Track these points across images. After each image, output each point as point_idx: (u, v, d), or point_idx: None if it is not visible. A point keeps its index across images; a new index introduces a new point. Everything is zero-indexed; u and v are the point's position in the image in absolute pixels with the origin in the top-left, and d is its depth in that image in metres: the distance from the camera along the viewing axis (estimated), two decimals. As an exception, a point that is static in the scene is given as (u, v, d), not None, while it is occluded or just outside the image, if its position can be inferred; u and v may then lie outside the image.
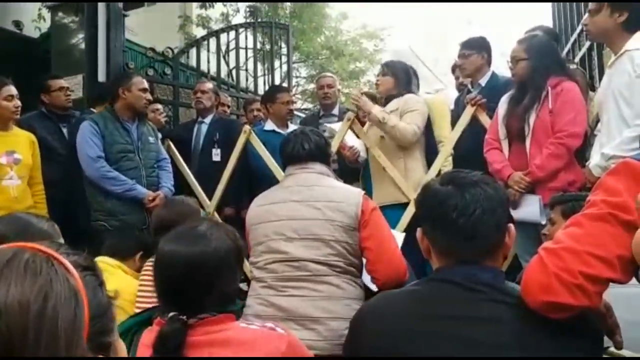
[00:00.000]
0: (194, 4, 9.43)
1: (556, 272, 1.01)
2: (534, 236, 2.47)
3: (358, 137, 3.29)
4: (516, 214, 2.47)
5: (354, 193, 2.01)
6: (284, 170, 2.23)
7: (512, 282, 1.19)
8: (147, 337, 1.25)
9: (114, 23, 4.65)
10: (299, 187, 2.03)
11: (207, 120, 3.96)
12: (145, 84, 3.31)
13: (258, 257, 1.98)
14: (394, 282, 1.85)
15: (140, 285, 2.06)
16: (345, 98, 7.70)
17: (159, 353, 1.18)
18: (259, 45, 7.26)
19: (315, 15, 12.61)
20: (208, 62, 6.31)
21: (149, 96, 3.31)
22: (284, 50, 7.51)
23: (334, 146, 3.05)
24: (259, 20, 8.54)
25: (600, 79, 2.78)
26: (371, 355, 1.18)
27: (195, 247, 1.28)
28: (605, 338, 1.19)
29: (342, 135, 3.24)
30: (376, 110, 3.04)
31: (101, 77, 4.54)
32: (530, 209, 2.53)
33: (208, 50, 6.39)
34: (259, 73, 7.15)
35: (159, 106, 4.33)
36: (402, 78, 3.24)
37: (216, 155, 3.80)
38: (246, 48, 7.05)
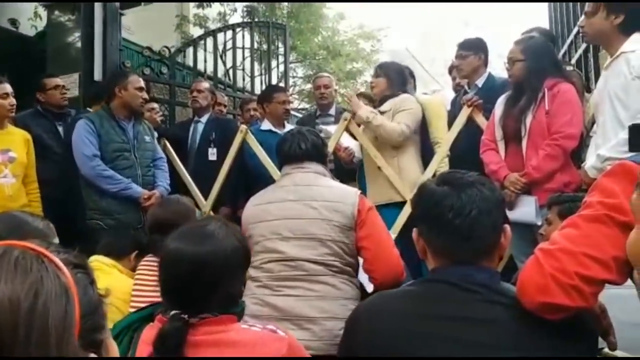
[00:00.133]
0: (191, 4, 9.43)
1: (552, 273, 1.01)
2: (529, 237, 2.47)
3: (355, 138, 3.30)
4: (512, 214, 2.48)
5: (351, 193, 2.01)
6: (280, 169, 2.23)
7: (508, 282, 1.19)
8: (148, 334, 1.24)
9: (110, 22, 4.64)
10: (295, 186, 2.03)
11: (204, 119, 3.95)
12: (142, 83, 3.29)
13: (254, 256, 1.97)
14: (392, 282, 1.85)
15: (136, 284, 2.05)
16: (341, 98, 7.70)
17: (159, 351, 1.17)
18: (256, 45, 7.26)
19: (312, 15, 12.60)
20: (205, 61, 6.31)
21: (145, 95, 3.30)
22: (281, 50, 7.49)
23: (331, 147, 3.06)
24: (256, 20, 8.54)
25: (596, 81, 2.79)
26: (366, 354, 1.17)
27: (201, 246, 1.26)
28: (599, 339, 1.20)
29: (339, 135, 3.25)
30: (362, 110, 3.06)
31: (97, 75, 4.53)
32: (526, 210, 2.54)
33: (205, 50, 6.39)
34: (256, 73, 7.15)
35: (155, 105, 4.30)
36: (395, 79, 3.26)
37: (212, 154, 3.79)
38: (243, 48, 7.03)
